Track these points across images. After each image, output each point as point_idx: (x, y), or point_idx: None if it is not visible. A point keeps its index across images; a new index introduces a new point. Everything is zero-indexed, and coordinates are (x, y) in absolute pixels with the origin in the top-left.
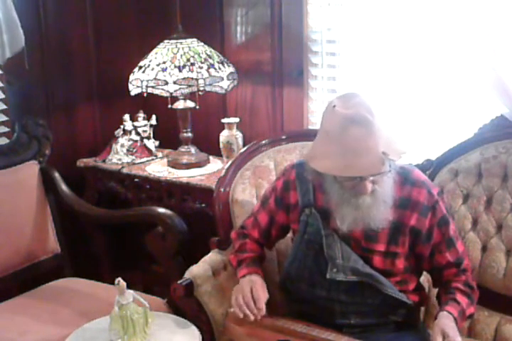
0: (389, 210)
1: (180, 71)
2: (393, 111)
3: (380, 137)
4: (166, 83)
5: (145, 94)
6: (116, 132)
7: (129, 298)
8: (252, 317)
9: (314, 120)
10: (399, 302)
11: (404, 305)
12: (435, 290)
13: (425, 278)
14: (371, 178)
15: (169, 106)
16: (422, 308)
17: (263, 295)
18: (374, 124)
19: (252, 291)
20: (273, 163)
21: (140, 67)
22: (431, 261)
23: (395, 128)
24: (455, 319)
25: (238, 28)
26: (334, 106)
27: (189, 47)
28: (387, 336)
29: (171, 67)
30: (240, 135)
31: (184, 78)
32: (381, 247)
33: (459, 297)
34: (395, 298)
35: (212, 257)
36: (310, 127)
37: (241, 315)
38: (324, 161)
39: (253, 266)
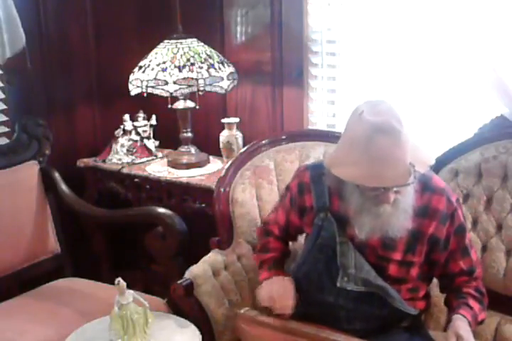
0: (409, 219)
1: (180, 71)
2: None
3: (407, 147)
4: (166, 83)
5: (145, 94)
6: (116, 132)
7: (129, 298)
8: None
9: (314, 120)
10: (406, 314)
11: (412, 316)
12: (437, 292)
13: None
14: (395, 189)
15: (169, 106)
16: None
17: (292, 297)
18: (402, 134)
19: (283, 291)
20: (273, 163)
21: (140, 67)
22: (444, 268)
23: (419, 137)
24: (469, 322)
25: (238, 28)
26: (361, 112)
27: (189, 47)
28: (393, 339)
29: (171, 67)
30: (239, 135)
31: (184, 78)
32: (398, 256)
33: (471, 302)
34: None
35: (212, 257)
36: (310, 127)
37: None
38: (349, 169)
39: (275, 268)
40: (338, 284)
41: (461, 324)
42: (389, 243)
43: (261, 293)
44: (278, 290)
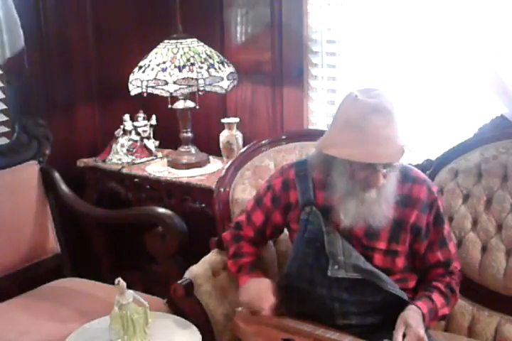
0: (390, 208)
1: (180, 71)
2: (404, 109)
3: (399, 128)
4: (166, 83)
5: (145, 94)
6: (116, 132)
7: (129, 298)
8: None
9: (314, 120)
10: (399, 301)
11: (405, 303)
12: None
13: None
14: (384, 170)
15: (169, 106)
16: None
17: (267, 298)
18: (395, 115)
19: (258, 294)
20: (273, 163)
21: (140, 67)
22: (423, 259)
23: (408, 125)
24: (423, 314)
25: (238, 28)
26: (356, 96)
27: (189, 47)
28: (388, 336)
29: (171, 67)
30: (239, 135)
31: (184, 78)
32: (382, 245)
33: (435, 296)
34: (396, 295)
35: (212, 257)
36: (310, 127)
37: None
38: (344, 149)
39: (255, 271)
40: (329, 273)
41: (411, 313)
42: (373, 232)
43: (240, 299)
44: (254, 294)
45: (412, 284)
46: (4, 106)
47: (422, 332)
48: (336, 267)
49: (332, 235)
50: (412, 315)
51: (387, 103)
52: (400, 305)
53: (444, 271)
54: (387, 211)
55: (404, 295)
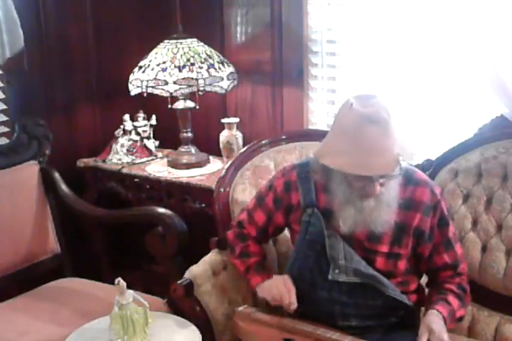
0: (391, 214)
1: (180, 71)
2: (401, 113)
3: (394, 137)
4: (166, 83)
5: (145, 94)
6: (116, 132)
7: (129, 298)
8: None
9: (314, 120)
10: (400, 304)
11: (405, 306)
12: None
13: (425, 279)
14: (381, 180)
15: (169, 106)
16: (422, 308)
17: (293, 293)
18: (391, 125)
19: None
20: (273, 163)
21: (140, 67)
22: (428, 261)
23: (406, 130)
24: (444, 318)
25: (238, 28)
26: (352, 104)
27: (189, 47)
28: (387, 336)
29: (171, 67)
30: (239, 135)
31: (184, 78)
32: (384, 248)
33: (451, 298)
34: (397, 299)
35: (212, 257)
36: (310, 127)
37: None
38: (338, 159)
39: (263, 270)
40: (330, 277)
41: (434, 318)
42: (375, 236)
43: (264, 295)
44: (278, 289)
45: (413, 287)
46: (4, 106)
47: (445, 337)
48: (337, 271)
49: (333, 239)
50: (435, 320)
51: (383, 112)
52: (401, 308)
53: (453, 273)
54: (389, 216)
55: (405, 299)
